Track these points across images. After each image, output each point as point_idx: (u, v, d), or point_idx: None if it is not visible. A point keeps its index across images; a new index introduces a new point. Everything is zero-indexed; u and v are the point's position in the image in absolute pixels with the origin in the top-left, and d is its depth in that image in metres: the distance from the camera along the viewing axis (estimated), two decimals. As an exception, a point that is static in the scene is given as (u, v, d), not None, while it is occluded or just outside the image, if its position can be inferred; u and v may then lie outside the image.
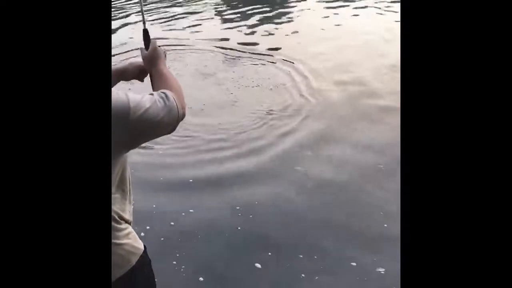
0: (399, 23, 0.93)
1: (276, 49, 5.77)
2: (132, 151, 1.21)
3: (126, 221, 1.27)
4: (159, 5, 8.19)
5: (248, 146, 3.68)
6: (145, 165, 3.37)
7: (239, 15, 7.41)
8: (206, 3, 8.33)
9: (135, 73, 1.48)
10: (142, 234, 2.57)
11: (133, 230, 1.31)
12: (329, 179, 3.20)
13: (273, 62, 5.42)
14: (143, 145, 1.45)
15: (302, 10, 7.67)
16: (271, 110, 4.26)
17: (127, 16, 7.63)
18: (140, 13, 1.58)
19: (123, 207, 1.25)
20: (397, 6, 7.23)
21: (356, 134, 3.82)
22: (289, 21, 7.16)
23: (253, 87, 4.81)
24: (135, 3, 8.40)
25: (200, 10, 7.90)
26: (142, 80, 1.50)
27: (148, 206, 2.91)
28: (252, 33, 6.54)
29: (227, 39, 6.27)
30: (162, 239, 2.64)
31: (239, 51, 5.83)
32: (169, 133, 1.24)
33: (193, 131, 3.89)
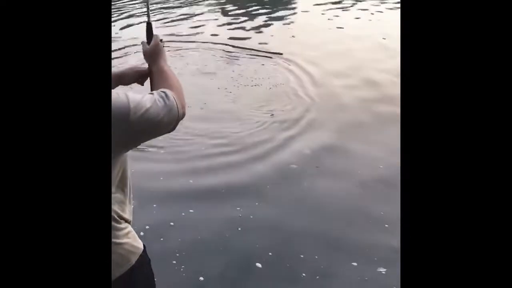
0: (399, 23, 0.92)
1: (278, 51, 5.76)
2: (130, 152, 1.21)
3: (126, 221, 1.27)
4: (163, 5, 8.19)
5: (248, 151, 3.65)
6: (145, 165, 3.36)
7: (240, 15, 7.40)
8: (207, 3, 8.33)
9: (134, 77, 1.47)
10: (142, 233, 2.56)
11: (132, 230, 1.31)
12: (330, 187, 3.19)
13: (274, 63, 5.42)
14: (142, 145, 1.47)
15: (303, 11, 7.67)
16: (271, 111, 4.25)
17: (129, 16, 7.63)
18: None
19: (123, 206, 1.25)
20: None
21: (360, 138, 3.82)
22: (290, 22, 7.15)
23: (252, 86, 4.81)
24: (135, 3, 8.41)
25: (201, 10, 7.91)
26: (142, 84, 1.49)
27: (149, 205, 2.90)
28: (253, 33, 6.54)
29: (227, 39, 6.26)
30: (161, 239, 2.64)
31: (240, 50, 5.83)
32: (169, 132, 1.23)
33: (192, 134, 3.85)
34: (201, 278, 2.36)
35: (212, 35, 6.47)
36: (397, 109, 0.89)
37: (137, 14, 7.53)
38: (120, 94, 1.10)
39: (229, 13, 7.65)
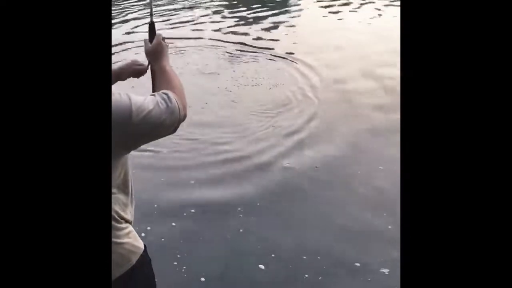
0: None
1: (280, 51, 5.76)
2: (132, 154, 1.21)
3: (127, 221, 1.27)
4: (166, 5, 8.19)
5: (251, 155, 3.61)
6: (147, 166, 3.35)
7: (241, 15, 7.41)
8: (209, 3, 8.34)
9: (131, 72, 1.49)
10: (143, 234, 2.55)
11: (133, 230, 1.31)
12: (333, 185, 3.18)
13: (274, 60, 5.41)
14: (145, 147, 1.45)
15: (308, 11, 7.67)
16: (274, 112, 4.24)
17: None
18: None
19: (124, 207, 1.25)
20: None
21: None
22: (294, 22, 7.15)
23: (252, 86, 4.80)
24: (136, 2, 8.41)
25: (204, 10, 7.91)
26: (138, 77, 1.51)
27: (150, 206, 2.89)
28: (256, 33, 6.54)
29: (228, 38, 6.26)
30: (162, 239, 2.62)
31: (240, 50, 5.83)
32: (171, 134, 1.24)
33: (192, 135, 3.83)
34: (203, 279, 2.35)
35: (214, 34, 6.47)
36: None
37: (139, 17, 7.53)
38: (122, 96, 1.11)
39: (232, 13, 7.65)
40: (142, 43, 1.41)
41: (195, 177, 3.27)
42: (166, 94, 1.20)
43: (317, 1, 7.96)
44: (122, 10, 7.84)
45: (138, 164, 3.12)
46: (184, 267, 2.42)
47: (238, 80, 4.94)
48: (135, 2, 8.57)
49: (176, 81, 1.29)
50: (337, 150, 3.58)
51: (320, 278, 2.34)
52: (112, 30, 6.34)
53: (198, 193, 3.09)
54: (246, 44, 6.04)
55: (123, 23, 7.06)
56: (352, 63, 5.30)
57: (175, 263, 2.45)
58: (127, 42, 6.08)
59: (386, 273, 2.34)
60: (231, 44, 6.08)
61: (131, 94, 1.13)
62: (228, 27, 6.97)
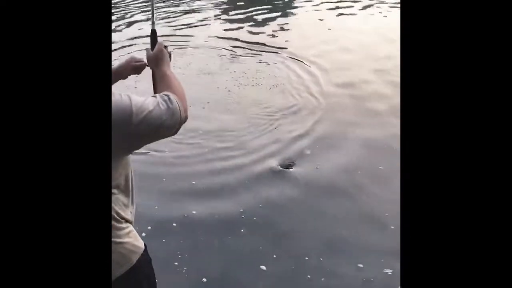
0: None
1: (282, 51, 5.75)
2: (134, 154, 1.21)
3: (127, 221, 1.28)
4: (168, 5, 8.19)
5: (253, 153, 3.59)
6: (148, 167, 3.34)
7: (242, 15, 7.40)
8: (211, 3, 8.34)
9: (132, 70, 1.51)
10: (144, 234, 2.53)
11: (134, 230, 1.32)
12: (334, 185, 3.16)
13: (274, 62, 5.40)
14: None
15: (306, 11, 7.66)
16: (274, 111, 4.23)
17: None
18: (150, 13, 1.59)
19: (125, 207, 1.26)
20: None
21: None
22: (296, 22, 7.14)
23: (253, 85, 4.80)
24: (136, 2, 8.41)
25: (205, 10, 7.91)
26: (138, 73, 1.54)
27: (151, 206, 2.88)
28: (258, 33, 6.53)
29: (229, 38, 6.26)
30: (164, 240, 2.61)
31: (242, 49, 5.82)
32: (172, 135, 1.25)
33: (192, 136, 3.79)
34: (204, 280, 2.33)
35: (215, 34, 6.46)
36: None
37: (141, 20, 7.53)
38: (123, 96, 1.11)
39: (234, 13, 7.64)
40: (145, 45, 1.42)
41: (197, 178, 3.25)
42: (167, 95, 1.21)
43: (322, 3, 7.93)
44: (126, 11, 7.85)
45: (139, 165, 3.11)
46: (185, 268, 2.41)
47: (237, 80, 4.93)
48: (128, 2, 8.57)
49: (176, 84, 1.30)
50: (346, 157, 3.48)
51: (322, 279, 2.33)
52: (118, 34, 6.37)
53: (199, 194, 3.08)
54: (250, 44, 6.02)
55: (130, 25, 7.05)
56: (362, 65, 5.23)
57: (176, 263, 2.44)
58: (132, 44, 6.04)
59: (390, 273, 2.33)
60: (233, 44, 6.07)
61: (132, 95, 1.14)
62: (231, 25, 6.97)
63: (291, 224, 2.76)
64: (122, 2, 8.34)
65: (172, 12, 7.68)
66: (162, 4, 8.11)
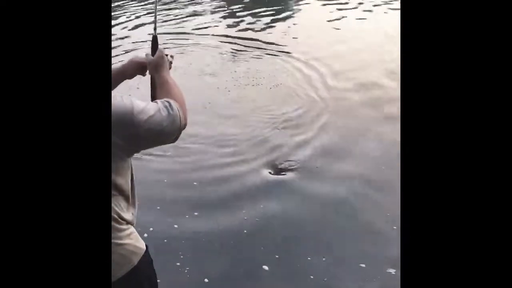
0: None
1: (283, 51, 5.74)
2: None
3: (128, 222, 1.28)
4: (169, 5, 8.19)
5: (255, 155, 3.57)
6: (150, 168, 3.33)
7: (243, 15, 7.39)
8: (213, 3, 8.34)
9: (137, 70, 1.50)
10: (145, 235, 2.52)
11: (135, 231, 1.32)
12: (336, 189, 3.13)
13: (280, 62, 5.39)
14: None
15: (311, 11, 7.65)
16: (277, 113, 4.21)
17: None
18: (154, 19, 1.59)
19: (126, 209, 1.26)
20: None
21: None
22: (297, 22, 7.12)
23: (253, 85, 4.79)
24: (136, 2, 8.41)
25: (206, 9, 7.91)
26: (144, 75, 1.51)
27: (153, 207, 2.87)
28: (258, 32, 6.53)
29: (232, 38, 6.25)
30: (165, 240, 2.60)
31: (245, 49, 5.81)
32: (172, 142, 1.25)
33: (192, 140, 3.74)
34: (206, 280, 2.33)
35: (214, 36, 6.45)
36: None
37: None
38: (124, 99, 1.12)
39: (234, 13, 7.64)
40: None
41: (198, 179, 3.24)
42: (168, 102, 1.21)
43: (324, 5, 7.90)
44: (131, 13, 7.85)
45: (140, 166, 3.10)
46: (187, 268, 2.40)
47: (237, 80, 4.93)
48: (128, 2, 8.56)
49: (176, 91, 1.30)
50: (354, 167, 3.37)
51: (325, 279, 2.32)
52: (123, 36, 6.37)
53: (201, 194, 3.07)
54: (251, 44, 6.01)
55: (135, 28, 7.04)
56: (370, 65, 5.21)
57: (178, 263, 2.43)
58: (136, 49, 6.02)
59: (393, 273, 2.31)
60: (233, 44, 6.07)
61: (134, 99, 1.14)
62: (231, 25, 6.96)
63: (293, 225, 2.74)
64: (126, 4, 8.34)
65: (175, 14, 7.68)
66: (165, 6, 8.10)
